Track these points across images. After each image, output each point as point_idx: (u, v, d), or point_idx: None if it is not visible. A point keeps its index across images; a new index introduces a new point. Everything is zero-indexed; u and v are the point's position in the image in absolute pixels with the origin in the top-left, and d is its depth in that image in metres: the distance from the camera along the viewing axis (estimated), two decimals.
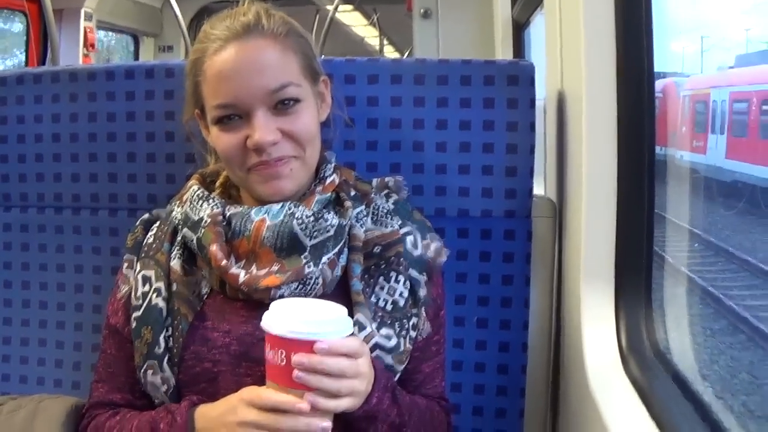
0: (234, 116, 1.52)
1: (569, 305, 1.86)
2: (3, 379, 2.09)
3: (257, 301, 1.52)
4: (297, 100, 1.53)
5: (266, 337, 1.35)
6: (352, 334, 1.42)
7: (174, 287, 1.56)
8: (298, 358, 1.31)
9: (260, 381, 1.47)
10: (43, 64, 5.22)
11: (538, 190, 1.95)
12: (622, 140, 1.70)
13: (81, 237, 2.02)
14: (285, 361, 1.32)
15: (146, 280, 1.58)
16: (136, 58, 7.08)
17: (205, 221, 1.55)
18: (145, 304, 1.56)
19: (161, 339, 1.53)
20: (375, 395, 1.43)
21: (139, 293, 1.58)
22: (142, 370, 1.54)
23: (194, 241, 1.56)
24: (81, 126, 1.98)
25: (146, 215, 1.71)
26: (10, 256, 2.08)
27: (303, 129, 1.54)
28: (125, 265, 1.65)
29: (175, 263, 1.58)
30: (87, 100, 1.97)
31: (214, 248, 1.52)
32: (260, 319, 1.48)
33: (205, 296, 1.57)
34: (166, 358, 1.52)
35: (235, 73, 1.50)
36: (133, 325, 1.56)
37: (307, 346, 1.32)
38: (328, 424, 1.36)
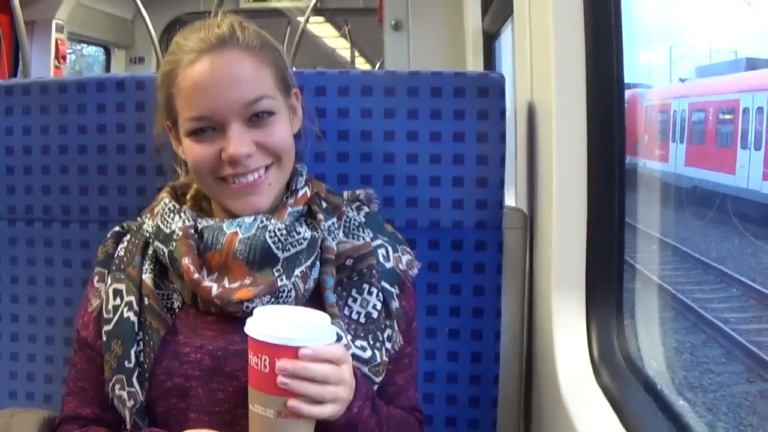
0: (208, 128, 1.50)
1: (541, 315, 1.87)
2: None
3: (229, 315, 1.51)
4: (271, 113, 1.53)
5: (249, 343, 1.34)
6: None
7: (145, 301, 1.55)
8: (282, 363, 1.30)
9: (232, 396, 1.48)
10: (15, 76, 5.19)
11: (509, 200, 1.96)
12: (593, 150, 1.71)
13: (52, 250, 2.01)
14: (269, 367, 1.31)
15: (117, 293, 1.57)
16: (108, 69, 7.05)
17: (177, 234, 1.54)
18: (116, 318, 1.55)
19: (132, 353, 1.52)
20: (356, 404, 1.43)
21: (110, 307, 1.56)
22: (110, 384, 1.53)
23: (166, 255, 1.54)
24: (52, 138, 1.97)
25: (117, 228, 1.70)
26: None
27: (278, 141, 1.53)
28: (96, 278, 1.64)
29: (147, 277, 1.56)
30: (58, 112, 1.96)
31: (186, 261, 1.51)
32: (232, 334, 1.48)
33: (177, 309, 1.56)
34: (135, 373, 1.51)
35: (211, 86, 1.48)
36: (104, 338, 1.55)
37: (292, 351, 1.31)
38: None
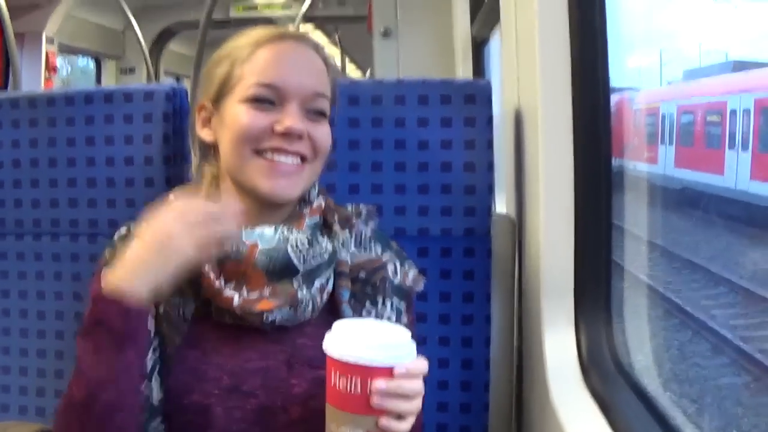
0: (268, 101, 1.51)
1: (530, 320, 1.87)
2: None
3: (245, 328, 1.50)
4: (324, 115, 1.56)
5: (334, 364, 1.30)
6: None
7: (160, 309, 1.52)
8: (378, 384, 1.28)
9: (249, 414, 1.48)
10: (5, 88, 5.19)
11: (498, 207, 1.96)
12: (579, 156, 1.72)
13: (42, 263, 2.01)
14: (360, 388, 1.28)
15: None
16: (99, 81, 7.06)
17: None
18: None
19: (147, 360, 1.48)
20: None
21: None
22: None
23: None
24: (41, 151, 1.98)
25: (124, 230, 1.64)
26: None
27: (323, 140, 1.55)
28: None
29: None
30: (47, 125, 1.97)
31: (206, 269, 1.49)
32: (249, 350, 1.49)
33: (190, 318, 1.53)
34: (153, 376, 1.48)
35: (291, 63, 1.53)
36: None
37: (386, 371, 1.29)
38: None
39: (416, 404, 1.35)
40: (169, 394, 1.50)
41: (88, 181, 1.96)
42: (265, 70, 1.52)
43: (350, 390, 1.29)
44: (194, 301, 1.54)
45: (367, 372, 1.28)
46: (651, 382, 1.94)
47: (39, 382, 2.04)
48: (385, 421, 1.30)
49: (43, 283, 2.01)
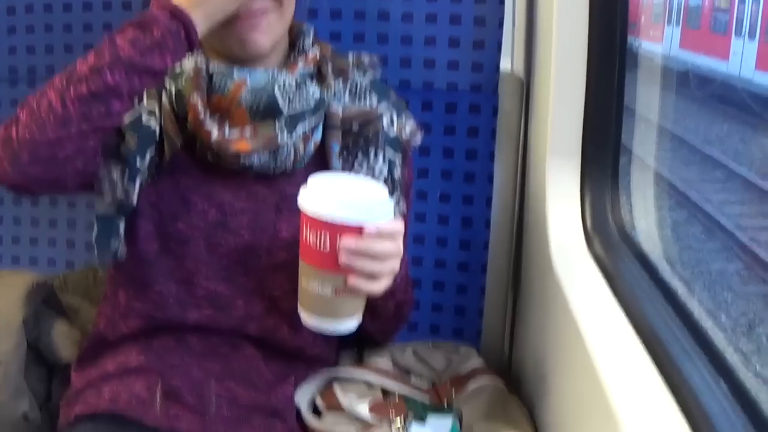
0: None
1: (534, 182, 1.85)
2: None
3: (234, 170, 1.48)
4: None
5: (305, 219, 1.29)
6: None
7: (163, 117, 1.47)
8: (345, 242, 1.27)
9: (232, 253, 1.48)
10: None
11: (506, 64, 1.92)
12: (594, 15, 1.66)
13: None
14: (329, 245, 1.27)
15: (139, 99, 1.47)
16: None
17: (188, 73, 1.48)
18: (134, 116, 1.44)
19: (147, 153, 1.43)
20: (400, 273, 1.41)
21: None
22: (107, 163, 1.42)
23: (173, 93, 1.48)
24: None
25: None
26: None
27: None
28: None
29: (165, 99, 1.49)
30: None
31: (194, 98, 1.45)
32: (238, 190, 1.47)
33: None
34: (138, 174, 1.42)
35: None
36: (126, 120, 1.42)
37: (355, 230, 1.27)
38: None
39: (390, 265, 1.34)
40: (154, 220, 1.48)
41: (105, 26, 1.93)
42: None
43: (320, 246, 1.28)
44: (181, 138, 1.49)
45: (336, 229, 1.27)
46: (653, 251, 1.92)
47: (32, 231, 2.05)
48: (353, 280, 1.29)
49: None
